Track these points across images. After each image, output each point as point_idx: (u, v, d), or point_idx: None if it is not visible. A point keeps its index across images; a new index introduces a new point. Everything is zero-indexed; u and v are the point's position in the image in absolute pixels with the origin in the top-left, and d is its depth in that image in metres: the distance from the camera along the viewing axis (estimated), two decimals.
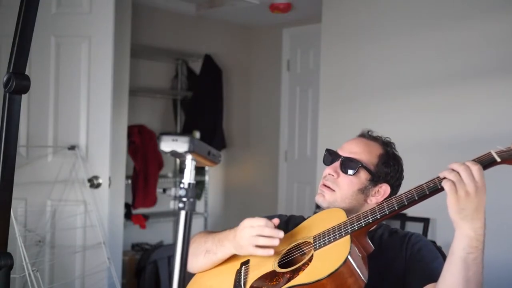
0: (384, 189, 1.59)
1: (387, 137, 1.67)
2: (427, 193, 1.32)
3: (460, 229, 1.29)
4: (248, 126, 5.21)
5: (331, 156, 1.63)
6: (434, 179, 1.32)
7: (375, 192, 1.59)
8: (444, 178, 1.28)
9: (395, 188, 1.61)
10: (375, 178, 1.58)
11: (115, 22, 3.04)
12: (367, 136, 1.66)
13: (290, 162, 4.89)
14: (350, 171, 1.57)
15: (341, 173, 1.58)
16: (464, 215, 1.26)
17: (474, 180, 1.24)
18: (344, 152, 1.61)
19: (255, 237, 1.44)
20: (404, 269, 1.48)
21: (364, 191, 1.58)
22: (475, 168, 1.25)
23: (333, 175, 1.58)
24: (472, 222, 1.26)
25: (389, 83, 3.40)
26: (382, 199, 1.57)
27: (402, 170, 1.64)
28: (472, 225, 1.27)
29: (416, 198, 1.33)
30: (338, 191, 1.58)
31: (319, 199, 1.60)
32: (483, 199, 1.26)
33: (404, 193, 1.37)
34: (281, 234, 1.43)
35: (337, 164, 1.59)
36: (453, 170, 1.27)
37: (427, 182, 1.33)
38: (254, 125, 5.20)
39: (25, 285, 2.65)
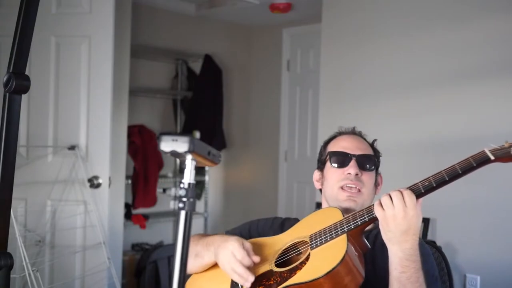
0: (380, 177, 1.68)
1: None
2: (373, 216, 1.38)
3: (389, 250, 1.35)
4: (248, 126, 5.21)
5: (342, 158, 1.62)
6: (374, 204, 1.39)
7: (378, 183, 1.66)
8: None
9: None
10: (378, 169, 1.66)
11: (115, 22, 3.04)
12: (353, 132, 1.72)
13: (290, 162, 4.89)
14: (371, 167, 1.61)
15: (362, 171, 1.59)
16: (390, 237, 1.33)
17: (404, 205, 1.30)
18: (354, 150, 1.62)
19: (231, 265, 1.45)
20: None
21: (375, 183, 1.64)
22: (406, 194, 1.31)
23: (357, 174, 1.59)
24: (399, 244, 1.32)
25: (389, 83, 3.40)
26: (381, 186, 1.67)
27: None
28: (400, 246, 1.33)
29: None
30: (365, 190, 1.59)
31: (351, 204, 1.58)
32: (414, 224, 1.31)
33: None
34: (250, 278, 1.42)
35: (354, 163, 1.59)
36: (388, 194, 1.34)
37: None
38: (254, 125, 5.20)
39: (25, 285, 2.65)
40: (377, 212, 1.34)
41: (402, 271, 1.32)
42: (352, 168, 1.59)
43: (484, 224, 2.93)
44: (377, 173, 1.65)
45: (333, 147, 1.68)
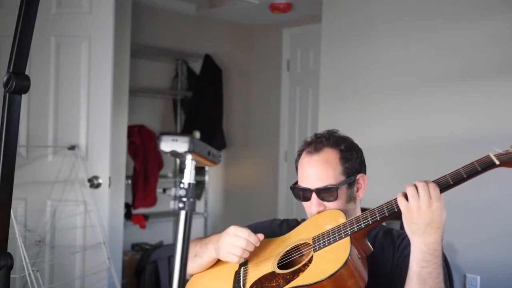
0: (362, 179, 1.60)
1: (324, 132, 1.64)
2: (376, 219, 1.37)
3: (413, 243, 1.33)
4: (248, 126, 5.21)
5: (303, 193, 1.58)
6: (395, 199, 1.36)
7: (357, 189, 1.60)
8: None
9: (363, 167, 1.62)
10: (351, 180, 1.57)
11: (115, 22, 3.04)
12: (315, 150, 1.59)
13: (290, 162, 4.88)
14: (332, 198, 1.54)
15: (325, 203, 1.55)
16: (414, 229, 1.31)
17: (429, 196, 1.29)
18: (312, 183, 1.56)
19: (234, 246, 1.47)
20: (392, 272, 1.48)
21: (350, 197, 1.58)
22: (432, 186, 1.30)
23: (320, 211, 1.56)
24: (423, 237, 1.30)
25: (389, 83, 3.40)
26: (365, 186, 1.60)
27: (358, 148, 1.63)
28: (424, 240, 1.31)
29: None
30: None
31: None
32: (439, 216, 1.30)
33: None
34: (260, 236, 1.48)
35: (314, 198, 1.56)
36: (414, 185, 1.32)
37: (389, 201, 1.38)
38: (254, 125, 5.20)
39: (25, 285, 2.65)
40: (400, 203, 1.32)
41: (424, 265, 1.31)
42: (313, 205, 1.55)
43: (484, 224, 2.93)
44: (352, 183, 1.57)
45: (298, 173, 1.63)
